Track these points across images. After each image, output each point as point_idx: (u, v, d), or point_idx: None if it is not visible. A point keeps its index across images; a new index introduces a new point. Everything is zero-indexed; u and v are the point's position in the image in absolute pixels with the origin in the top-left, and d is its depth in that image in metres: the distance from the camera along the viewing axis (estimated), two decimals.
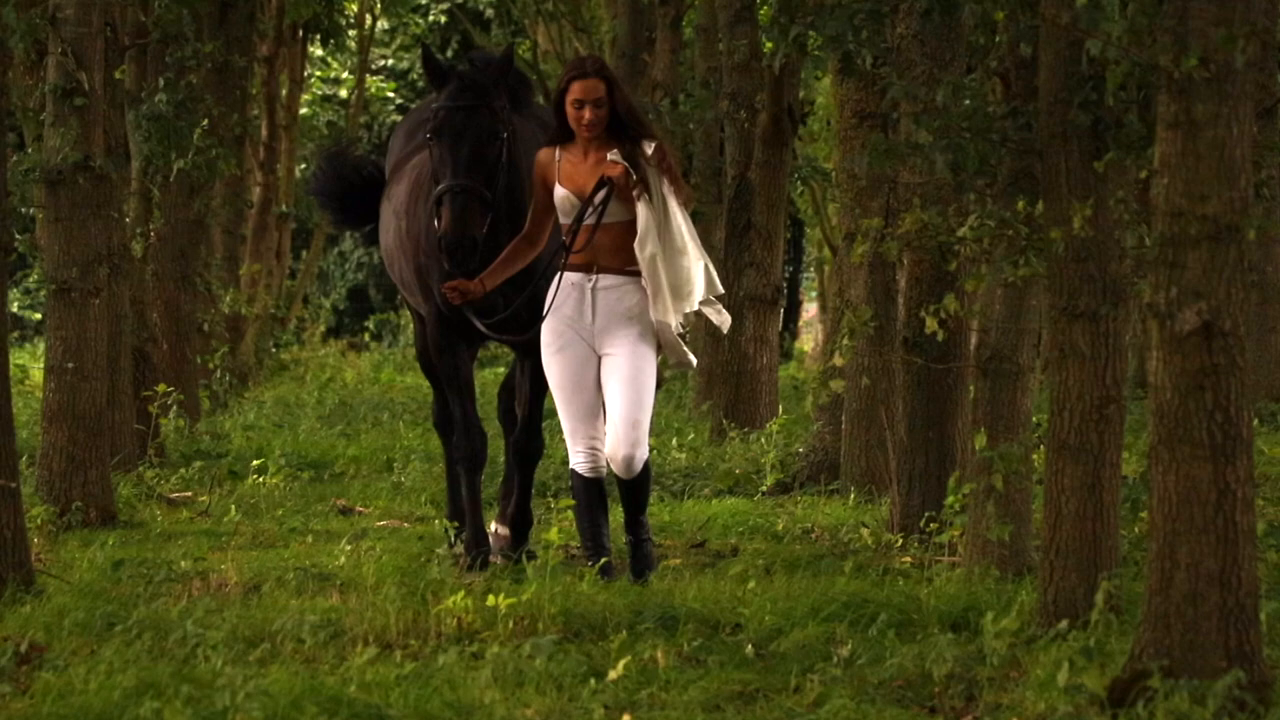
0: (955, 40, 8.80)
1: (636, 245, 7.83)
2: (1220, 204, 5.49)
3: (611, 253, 7.92)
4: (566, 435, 8.02)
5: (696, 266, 7.88)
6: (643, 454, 7.89)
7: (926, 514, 9.07)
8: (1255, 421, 6.33)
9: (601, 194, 7.86)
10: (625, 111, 7.95)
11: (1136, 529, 8.24)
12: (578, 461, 7.99)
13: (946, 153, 7.19)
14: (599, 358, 7.94)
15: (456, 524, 8.83)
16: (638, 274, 7.90)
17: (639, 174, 7.84)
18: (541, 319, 8.03)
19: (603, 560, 7.85)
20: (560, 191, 7.99)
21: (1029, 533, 7.90)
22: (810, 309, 32.95)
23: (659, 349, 7.98)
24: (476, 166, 8.18)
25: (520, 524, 8.82)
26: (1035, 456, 8.04)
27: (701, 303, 7.92)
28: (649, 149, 7.91)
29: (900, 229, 8.05)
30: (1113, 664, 5.83)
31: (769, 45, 12.64)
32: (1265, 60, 14.30)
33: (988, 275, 7.68)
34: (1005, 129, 7.19)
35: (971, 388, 8.27)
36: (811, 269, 29.90)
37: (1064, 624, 6.46)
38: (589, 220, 7.87)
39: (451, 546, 8.76)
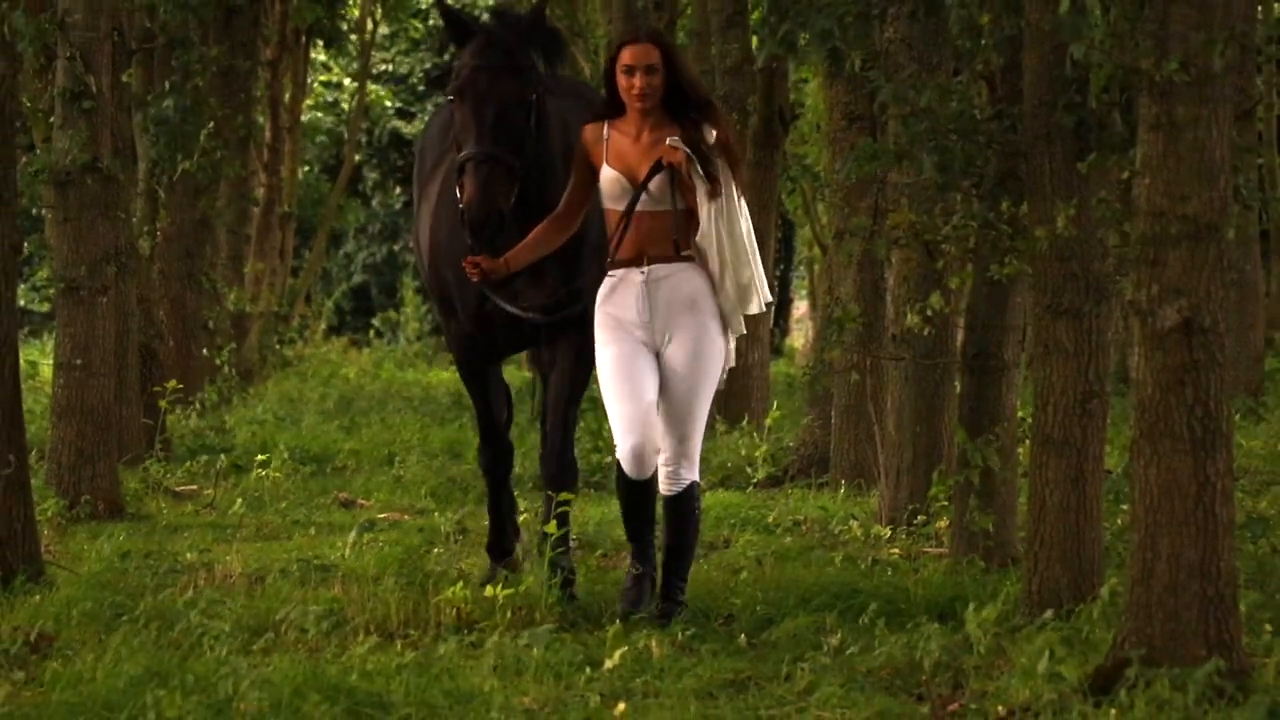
0: (942, 44, 8.80)
1: (700, 242, 6.99)
2: (1200, 204, 5.49)
3: (661, 240, 7.03)
4: (615, 433, 7.05)
5: (758, 274, 7.12)
6: (689, 474, 7.07)
7: (911, 506, 9.08)
8: (1234, 416, 6.33)
9: (658, 180, 6.98)
10: (688, 85, 7.08)
11: (1119, 521, 8.24)
12: (626, 463, 7.04)
13: (934, 154, 7.19)
14: (657, 354, 7.05)
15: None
16: (690, 259, 7.04)
17: (703, 164, 6.97)
18: (578, 306, 7.42)
19: (644, 569, 7.13)
20: (609, 172, 7.08)
21: (1014, 524, 7.90)
22: (801, 306, 32.92)
23: (724, 331, 7.14)
24: (502, 132, 7.20)
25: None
26: (1020, 450, 8.05)
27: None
28: (711, 135, 7.02)
29: (888, 228, 8.04)
30: (1095, 653, 5.83)
31: (758, 45, 12.62)
32: (1244, 64, 14.31)
33: (973, 273, 7.68)
34: (991, 131, 7.19)
35: (958, 383, 8.27)
36: (802, 267, 29.87)
37: (1048, 614, 6.46)
38: (640, 207, 7.02)
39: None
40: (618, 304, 7.07)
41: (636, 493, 7.09)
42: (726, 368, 7.21)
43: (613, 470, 7.71)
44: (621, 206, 7.05)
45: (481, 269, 7.18)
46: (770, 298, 7.22)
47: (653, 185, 6.99)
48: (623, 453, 7.02)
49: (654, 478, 7.09)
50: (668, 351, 7.05)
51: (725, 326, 7.12)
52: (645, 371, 7.02)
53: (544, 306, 7.54)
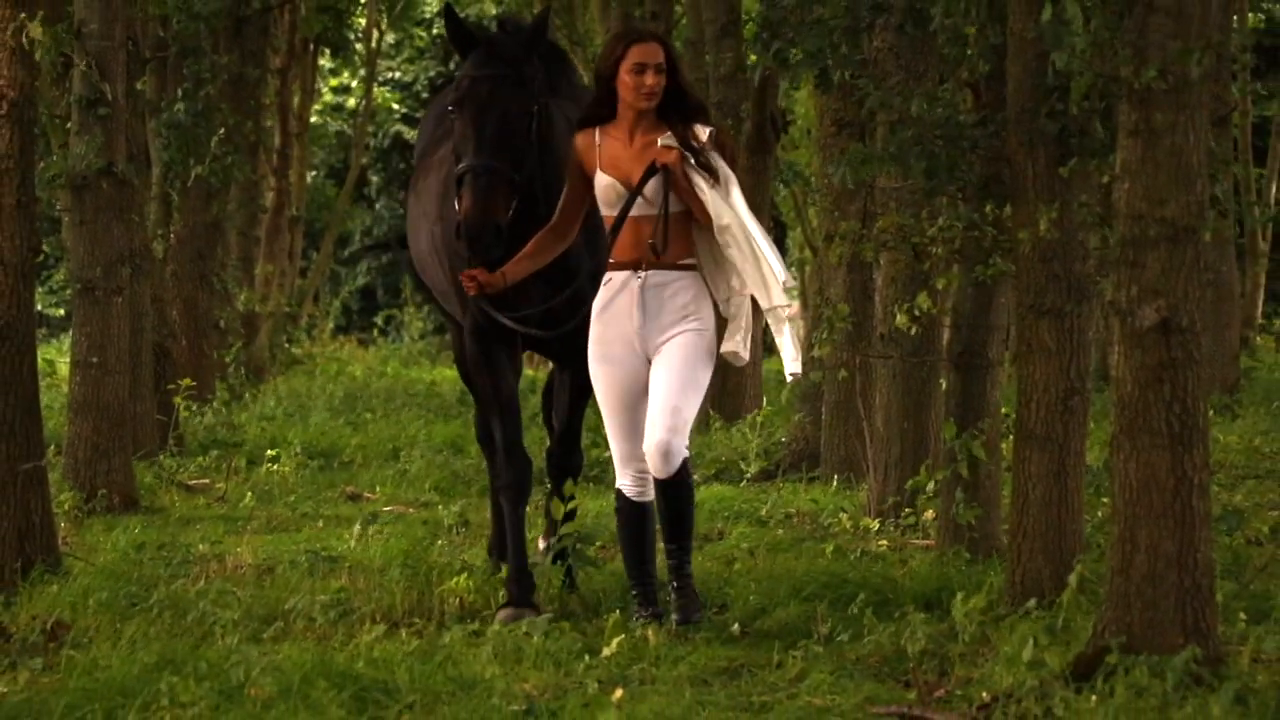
0: (928, 53, 8.80)
1: (717, 232, 6.66)
2: (1178, 207, 5.50)
3: (659, 244, 6.70)
4: (614, 455, 6.82)
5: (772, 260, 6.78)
6: (680, 444, 6.61)
7: (895, 499, 9.09)
8: (1210, 412, 6.34)
9: (652, 183, 6.67)
10: (686, 86, 6.79)
11: (1099, 514, 8.25)
12: (624, 484, 6.80)
13: (921, 159, 7.20)
14: (649, 365, 6.74)
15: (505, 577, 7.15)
16: (691, 268, 6.76)
17: (697, 159, 6.67)
18: (576, 319, 6.99)
19: (650, 612, 6.73)
20: (604, 179, 6.74)
21: (998, 517, 7.91)
22: (793, 306, 32.99)
23: (718, 355, 6.84)
24: (502, 144, 6.82)
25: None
26: (1004, 445, 8.06)
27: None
28: (703, 134, 6.73)
29: (876, 231, 8.05)
30: (1077, 641, 5.84)
31: (753, 58, 12.63)
32: (1220, 72, 14.32)
33: (959, 275, 7.69)
34: (976, 137, 7.20)
35: (944, 381, 8.28)
36: (793, 269, 29.91)
37: (1031, 603, 6.47)
38: (635, 212, 6.69)
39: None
40: (613, 310, 6.76)
41: (637, 513, 6.82)
42: (738, 364, 6.93)
43: (611, 466, 7.60)
44: (616, 212, 6.78)
45: (478, 282, 6.86)
46: (791, 280, 6.89)
47: (647, 189, 6.70)
48: (623, 484, 6.81)
49: (653, 500, 6.82)
50: (658, 351, 6.71)
51: (718, 339, 6.81)
52: (641, 397, 6.73)
53: (542, 318, 7.15)
